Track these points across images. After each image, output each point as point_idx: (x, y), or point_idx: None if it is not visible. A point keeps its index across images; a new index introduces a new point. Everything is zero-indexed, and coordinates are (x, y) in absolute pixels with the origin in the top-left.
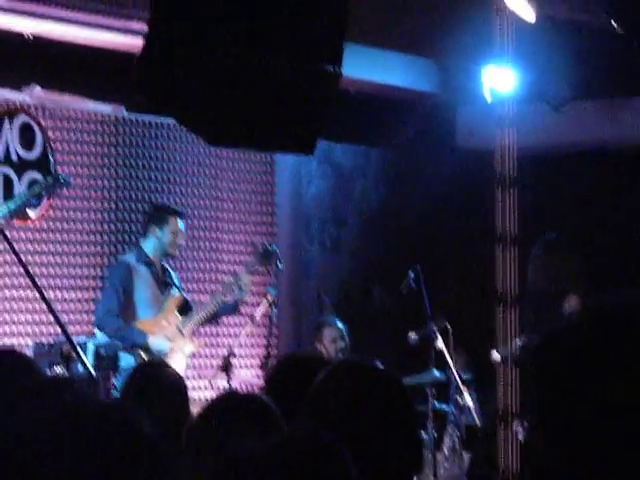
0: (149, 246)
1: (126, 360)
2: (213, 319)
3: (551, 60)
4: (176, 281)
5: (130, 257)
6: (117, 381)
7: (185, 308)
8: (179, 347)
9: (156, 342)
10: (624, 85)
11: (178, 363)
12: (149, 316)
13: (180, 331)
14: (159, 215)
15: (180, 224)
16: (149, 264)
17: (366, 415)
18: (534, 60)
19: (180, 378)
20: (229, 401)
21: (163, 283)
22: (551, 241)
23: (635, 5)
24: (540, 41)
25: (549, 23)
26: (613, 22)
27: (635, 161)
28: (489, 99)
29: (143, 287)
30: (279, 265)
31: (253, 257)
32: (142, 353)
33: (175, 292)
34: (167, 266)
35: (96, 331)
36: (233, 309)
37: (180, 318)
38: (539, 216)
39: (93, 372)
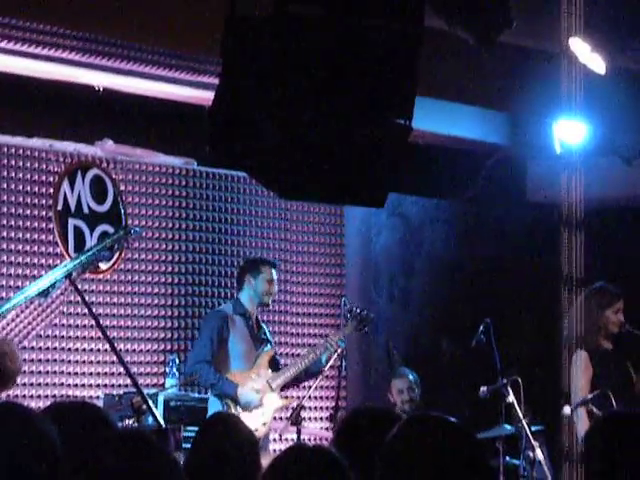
0: (245, 297)
1: (214, 407)
2: (299, 380)
3: (622, 113)
4: (269, 336)
5: (227, 308)
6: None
7: (275, 364)
8: (268, 401)
9: (245, 394)
10: None
11: (265, 417)
12: (241, 369)
13: (270, 386)
14: (253, 266)
15: (274, 273)
16: (246, 316)
17: (440, 471)
18: (605, 113)
19: (251, 432)
20: (297, 454)
21: (258, 338)
22: (589, 292)
23: None
24: (611, 93)
25: (620, 75)
26: None
27: None
28: (559, 152)
29: (238, 339)
30: (349, 317)
31: (348, 321)
32: (230, 403)
33: (268, 348)
34: (260, 321)
35: (167, 382)
36: (318, 372)
37: (271, 373)
38: (607, 269)
39: (163, 424)
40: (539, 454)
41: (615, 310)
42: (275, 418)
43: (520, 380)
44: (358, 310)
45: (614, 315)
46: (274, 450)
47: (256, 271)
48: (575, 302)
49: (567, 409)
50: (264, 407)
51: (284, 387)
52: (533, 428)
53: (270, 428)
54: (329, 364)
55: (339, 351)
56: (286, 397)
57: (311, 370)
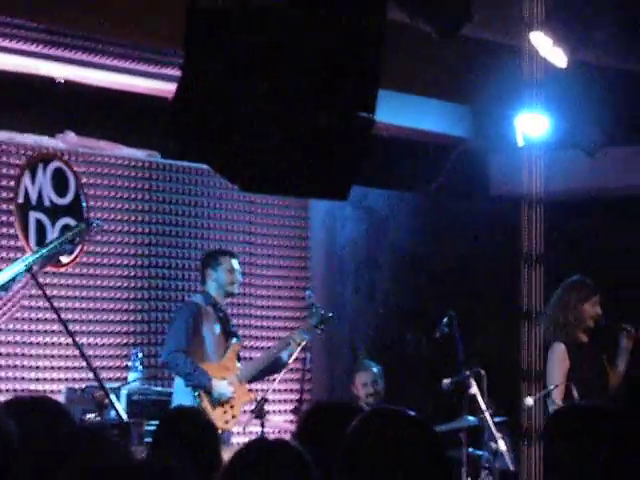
0: (211, 289)
1: (184, 400)
2: (265, 374)
3: (584, 106)
4: (235, 329)
5: (199, 299)
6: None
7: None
8: (237, 395)
9: (220, 386)
10: None
11: (234, 410)
12: (213, 360)
13: (239, 379)
14: (211, 258)
15: (234, 263)
16: (216, 308)
17: (399, 464)
18: (567, 106)
19: (213, 425)
20: (259, 448)
21: (228, 330)
22: (567, 285)
23: None
24: (573, 87)
25: (581, 68)
26: None
27: None
28: (521, 145)
29: (210, 330)
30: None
31: (306, 319)
32: (203, 395)
33: (236, 340)
34: (228, 314)
35: (129, 376)
36: (279, 369)
37: (239, 366)
38: (571, 260)
39: (126, 418)
40: (501, 445)
41: (592, 303)
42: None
43: (483, 372)
44: (317, 309)
45: (592, 308)
46: (237, 443)
47: (215, 263)
48: (532, 329)
49: (529, 400)
50: (234, 400)
51: (254, 378)
52: (496, 419)
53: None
54: (291, 360)
55: (303, 344)
56: (250, 390)
57: (272, 367)
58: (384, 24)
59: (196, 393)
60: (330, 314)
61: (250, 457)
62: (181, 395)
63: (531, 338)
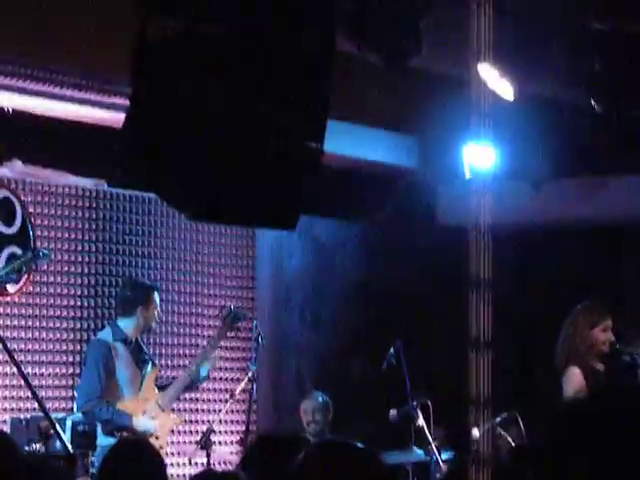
0: (129, 324)
1: (105, 438)
2: (189, 389)
3: (531, 138)
4: (149, 356)
5: (107, 335)
6: (95, 458)
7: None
8: (160, 423)
9: (141, 423)
10: (603, 163)
11: (160, 441)
12: (130, 396)
13: (160, 407)
14: (145, 295)
15: (157, 298)
16: (126, 342)
17: None
18: (514, 138)
19: (158, 455)
20: (207, 479)
21: (140, 360)
22: (578, 310)
23: (613, 84)
24: (520, 119)
25: (528, 101)
26: (592, 101)
27: (614, 239)
28: (468, 176)
29: (123, 367)
30: (260, 340)
31: (220, 323)
32: (126, 435)
33: (150, 368)
34: (140, 342)
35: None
36: (206, 377)
37: (158, 394)
38: (517, 294)
39: (71, 449)
40: None
41: (603, 328)
42: (185, 442)
43: (429, 403)
44: (228, 311)
45: (602, 333)
46: (184, 475)
47: (148, 301)
48: (482, 360)
49: (475, 432)
50: (159, 431)
51: (179, 397)
52: (443, 454)
53: (167, 451)
54: (208, 373)
55: (249, 374)
56: (173, 410)
57: (201, 377)
58: (333, 55)
59: (118, 434)
60: (242, 312)
61: None
62: (104, 438)
63: (479, 365)
